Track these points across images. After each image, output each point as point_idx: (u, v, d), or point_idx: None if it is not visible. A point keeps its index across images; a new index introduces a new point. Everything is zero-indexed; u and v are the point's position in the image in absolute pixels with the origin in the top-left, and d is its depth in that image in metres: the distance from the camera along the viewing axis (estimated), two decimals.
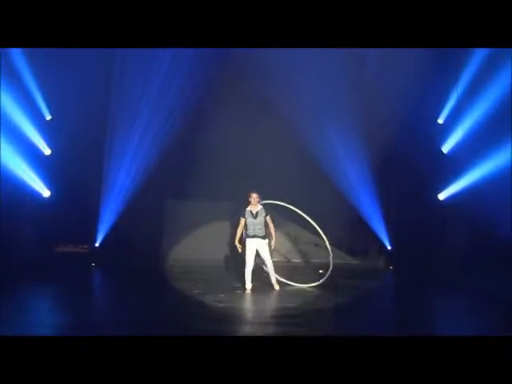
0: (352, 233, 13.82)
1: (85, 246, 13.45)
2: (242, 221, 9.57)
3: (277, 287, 9.63)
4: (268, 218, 9.58)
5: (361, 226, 13.20)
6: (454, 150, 12.81)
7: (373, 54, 12.30)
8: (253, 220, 9.50)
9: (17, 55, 11.04)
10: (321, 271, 12.11)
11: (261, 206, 9.61)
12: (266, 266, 9.78)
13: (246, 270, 9.47)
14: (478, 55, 11.62)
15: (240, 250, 9.59)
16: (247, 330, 6.98)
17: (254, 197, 9.56)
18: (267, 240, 9.56)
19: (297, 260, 14.27)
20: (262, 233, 9.50)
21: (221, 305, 8.24)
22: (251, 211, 9.56)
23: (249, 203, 9.63)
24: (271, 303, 8.93)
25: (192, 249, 13.80)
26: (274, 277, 9.68)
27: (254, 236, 9.48)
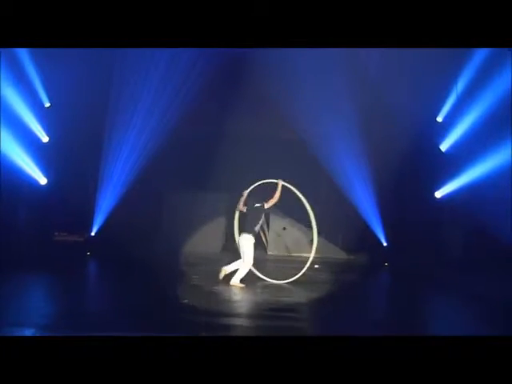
0: (348, 229, 13.83)
1: (80, 235, 13.45)
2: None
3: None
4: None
5: (357, 222, 13.21)
6: (452, 149, 12.85)
7: (373, 53, 12.28)
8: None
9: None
10: (316, 266, 12.15)
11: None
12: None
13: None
14: (478, 54, 11.65)
15: None
16: (240, 323, 6.96)
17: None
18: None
19: (292, 254, 14.27)
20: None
21: (216, 297, 8.24)
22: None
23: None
24: (265, 297, 8.90)
25: (188, 240, 13.82)
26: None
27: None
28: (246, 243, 9.21)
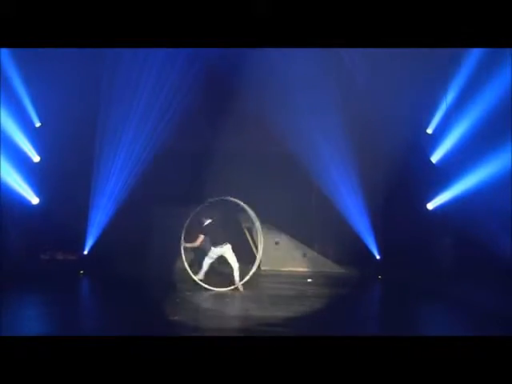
0: (341, 242, 13.79)
1: (73, 254, 13.39)
2: None
3: None
4: None
5: (350, 235, 13.18)
6: (443, 160, 12.89)
7: (363, 62, 12.35)
8: None
9: (6, 61, 11.02)
10: (309, 280, 12.13)
11: None
12: None
13: None
14: (467, 66, 11.72)
15: None
16: (232, 335, 6.96)
17: None
18: None
19: (284, 269, 14.22)
20: None
21: (210, 313, 8.24)
22: None
23: None
24: (256, 312, 8.86)
25: (181, 257, 13.74)
26: None
27: None
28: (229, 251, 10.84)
